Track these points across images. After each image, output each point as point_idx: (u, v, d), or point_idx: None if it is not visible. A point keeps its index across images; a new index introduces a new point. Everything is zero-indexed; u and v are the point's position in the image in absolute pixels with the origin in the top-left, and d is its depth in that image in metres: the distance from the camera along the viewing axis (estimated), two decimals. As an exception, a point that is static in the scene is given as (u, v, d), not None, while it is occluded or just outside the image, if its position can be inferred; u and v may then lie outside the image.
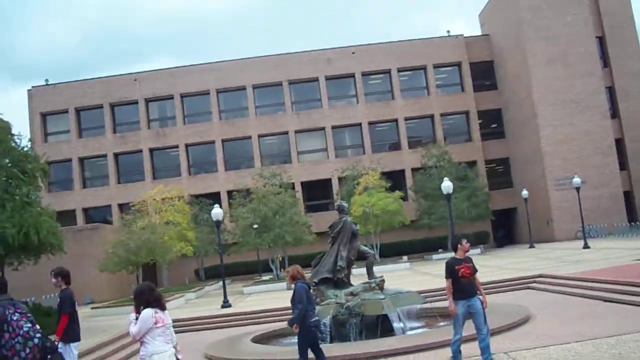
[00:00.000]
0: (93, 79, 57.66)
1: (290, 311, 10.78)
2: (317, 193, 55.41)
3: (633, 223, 46.67)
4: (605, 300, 17.13)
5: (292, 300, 10.45)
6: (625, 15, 52.94)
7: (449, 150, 51.81)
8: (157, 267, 44.12)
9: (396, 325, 15.08)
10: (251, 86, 56.15)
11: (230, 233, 46.76)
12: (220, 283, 47.69)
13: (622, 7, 52.88)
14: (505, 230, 57.48)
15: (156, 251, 33.12)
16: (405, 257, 46.84)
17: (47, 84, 57.40)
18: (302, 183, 53.60)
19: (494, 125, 57.65)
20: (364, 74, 56.72)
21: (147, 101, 56.81)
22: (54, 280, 9.94)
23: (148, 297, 7.42)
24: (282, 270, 40.98)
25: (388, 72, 56.93)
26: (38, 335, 6.73)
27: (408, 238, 51.42)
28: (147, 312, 7.29)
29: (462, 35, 57.81)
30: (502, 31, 55.86)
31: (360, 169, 49.24)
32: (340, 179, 52.99)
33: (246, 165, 55.58)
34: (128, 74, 57.27)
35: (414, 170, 54.47)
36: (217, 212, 28.29)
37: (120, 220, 46.38)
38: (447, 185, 29.79)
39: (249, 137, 55.72)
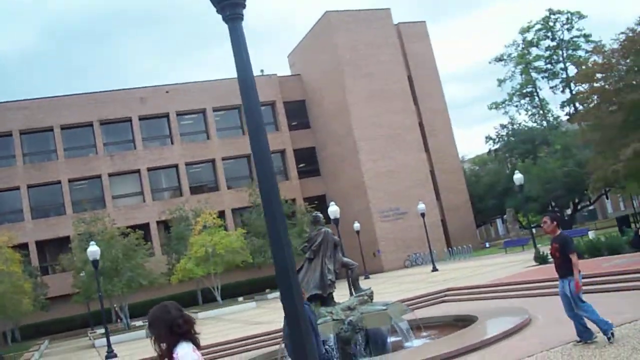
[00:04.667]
0: None
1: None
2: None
3: (449, 249, 49.56)
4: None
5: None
6: (427, 56, 56.90)
7: (274, 187, 51.12)
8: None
9: (401, 337, 14.35)
10: (59, 127, 50.89)
11: (47, 287, 42.22)
12: (46, 343, 41.33)
13: (424, 48, 56.89)
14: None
15: (7, 305, 27.75)
16: (241, 298, 45.13)
17: None
18: (119, 229, 49.20)
19: (301, 165, 58.14)
20: (178, 114, 54.39)
21: None
22: None
23: (178, 322, 4.02)
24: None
25: (203, 111, 55.23)
26: None
27: (240, 279, 49.46)
28: (188, 353, 3.97)
29: (276, 74, 58.08)
30: (317, 71, 56.98)
31: (187, 210, 46.87)
32: (159, 223, 50.20)
33: (56, 212, 50.02)
34: None
35: (236, 210, 53.04)
36: (93, 250, 24.28)
37: None
38: None
39: (58, 182, 50.26)
